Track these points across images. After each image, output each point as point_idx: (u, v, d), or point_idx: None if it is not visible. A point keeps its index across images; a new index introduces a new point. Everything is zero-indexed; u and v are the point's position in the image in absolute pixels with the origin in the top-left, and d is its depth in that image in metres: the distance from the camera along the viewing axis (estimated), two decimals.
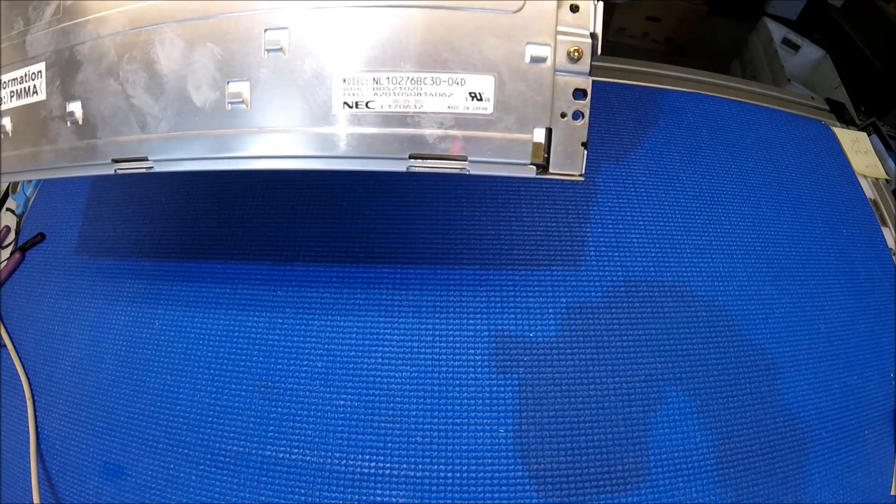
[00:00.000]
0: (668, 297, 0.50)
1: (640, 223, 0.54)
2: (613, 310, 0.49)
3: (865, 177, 0.65)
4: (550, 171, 0.33)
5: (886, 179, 0.67)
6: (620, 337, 0.48)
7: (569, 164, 0.33)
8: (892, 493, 0.47)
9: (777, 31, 1.08)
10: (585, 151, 0.32)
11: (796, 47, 1.04)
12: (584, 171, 0.33)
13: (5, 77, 0.40)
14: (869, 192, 0.64)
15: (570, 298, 0.49)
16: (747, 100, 0.70)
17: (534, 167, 0.33)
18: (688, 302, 0.50)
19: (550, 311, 0.48)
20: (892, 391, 0.51)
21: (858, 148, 0.68)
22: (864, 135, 0.70)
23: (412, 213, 0.53)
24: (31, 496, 0.45)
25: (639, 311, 0.49)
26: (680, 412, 0.45)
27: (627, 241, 0.53)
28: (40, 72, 0.38)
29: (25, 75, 0.38)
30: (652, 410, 0.45)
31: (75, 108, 0.36)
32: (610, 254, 0.52)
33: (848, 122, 0.73)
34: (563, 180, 0.33)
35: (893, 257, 0.59)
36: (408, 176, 0.55)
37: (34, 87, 0.38)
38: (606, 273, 0.51)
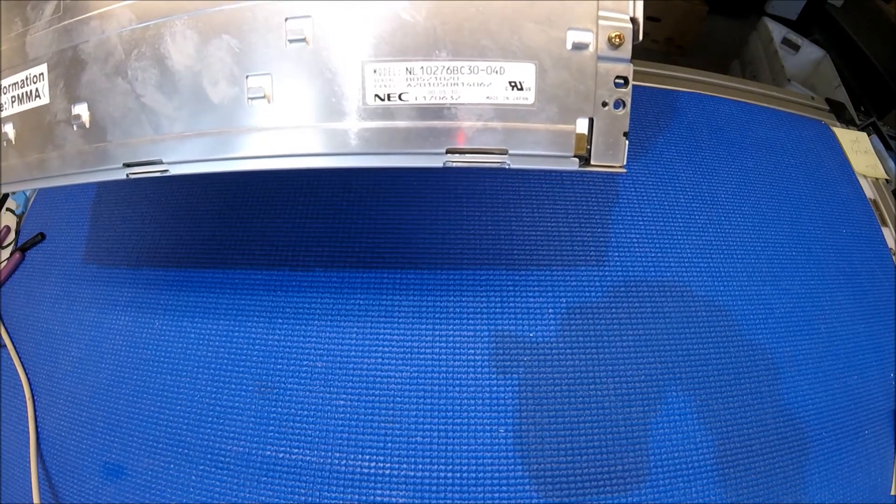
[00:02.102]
0: (668, 297, 0.50)
1: (640, 223, 0.54)
2: (613, 310, 0.49)
3: (865, 177, 0.65)
4: (592, 162, 0.31)
5: (886, 179, 0.67)
6: (620, 337, 0.48)
7: (611, 156, 0.31)
8: (892, 493, 0.47)
9: (777, 31, 1.08)
10: (627, 142, 0.31)
11: (796, 47, 1.04)
12: (625, 163, 0.31)
13: (5, 82, 0.38)
14: (869, 192, 0.64)
15: (570, 299, 0.49)
16: (747, 100, 0.69)
17: (576, 160, 0.31)
18: (688, 302, 0.50)
19: (550, 311, 0.48)
20: (892, 391, 0.51)
21: (858, 148, 0.68)
22: (864, 135, 0.70)
23: (413, 214, 0.53)
24: (31, 496, 0.45)
25: (639, 311, 0.49)
26: (680, 412, 0.45)
27: (627, 241, 0.53)
28: (42, 74, 0.36)
29: (26, 79, 0.37)
30: (652, 410, 0.45)
31: (82, 110, 0.34)
32: (610, 254, 0.52)
33: (848, 122, 0.72)
34: (604, 173, 0.31)
35: (893, 257, 0.59)
36: (409, 175, 0.56)
37: (36, 90, 0.36)
38: (606, 273, 0.51)
